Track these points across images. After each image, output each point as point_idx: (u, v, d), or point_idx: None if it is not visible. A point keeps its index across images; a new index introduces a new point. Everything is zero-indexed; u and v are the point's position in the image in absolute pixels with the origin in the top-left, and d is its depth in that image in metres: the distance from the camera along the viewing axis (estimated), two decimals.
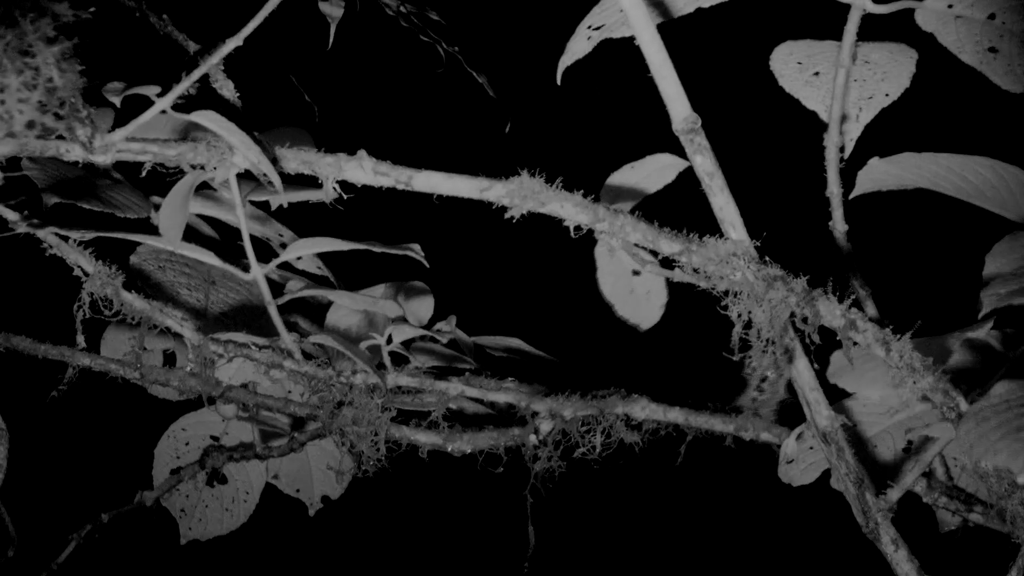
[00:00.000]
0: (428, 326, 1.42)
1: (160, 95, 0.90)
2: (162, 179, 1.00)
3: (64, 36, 0.79)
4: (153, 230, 1.16)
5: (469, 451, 1.31)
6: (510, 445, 1.31)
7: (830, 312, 1.02)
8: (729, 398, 1.27)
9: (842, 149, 1.18)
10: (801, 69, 1.18)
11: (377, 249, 1.16)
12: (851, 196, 1.21)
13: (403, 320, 1.38)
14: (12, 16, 0.76)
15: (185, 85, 0.88)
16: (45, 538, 1.40)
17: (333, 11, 1.67)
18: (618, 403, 1.27)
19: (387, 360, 1.26)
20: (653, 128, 1.10)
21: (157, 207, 1.32)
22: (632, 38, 0.94)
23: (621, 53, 1.06)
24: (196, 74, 0.87)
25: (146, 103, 0.92)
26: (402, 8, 1.78)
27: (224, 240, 1.49)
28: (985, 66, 1.07)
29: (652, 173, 1.23)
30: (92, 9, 0.79)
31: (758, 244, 1.01)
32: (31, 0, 0.76)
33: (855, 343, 1.03)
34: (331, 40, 1.67)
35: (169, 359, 1.40)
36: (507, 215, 1.01)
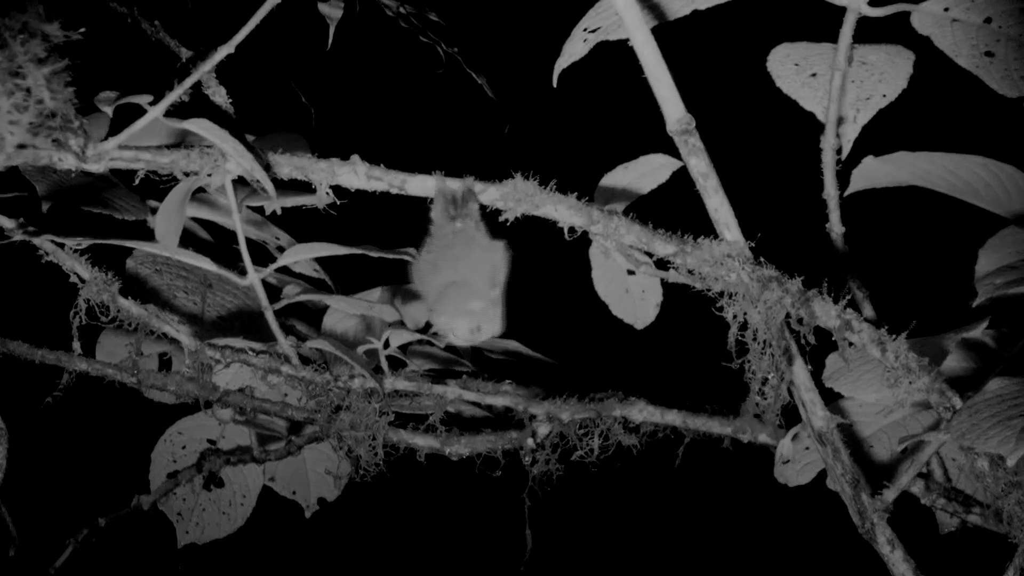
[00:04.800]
0: (425, 329, 1.42)
1: (152, 103, 0.90)
2: (161, 181, 1.00)
3: (55, 56, 0.79)
4: (150, 233, 1.16)
5: (467, 454, 1.31)
6: (508, 448, 1.31)
7: (825, 313, 1.02)
8: (731, 403, 1.26)
9: (839, 151, 1.18)
10: (798, 71, 1.18)
11: (374, 254, 1.16)
12: (845, 193, 1.21)
13: (400, 324, 1.38)
14: (2, 38, 0.75)
15: (177, 93, 0.88)
16: (43, 542, 1.40)
17: (332, 12, 1.67)
18: (616, 406, 1.27)
19: (384, 364, 1.26)
20: (648, 129, 1.10)
21: (154, 210, 1.32)
22: (628, 40, 0.94)
23: (617, 55, 1.06)
24: (188, 82, 0.87)
25: (140, 109, 0.92)
26: (402, 9, 1.78)
27: (221, 243, 1.48)
28: (981, 70, 1.07)
29: (646, 174, 1.24)
30: (83, 29, 0.78)
31: (753, 245, 1.01)
32: (21, 21, 0.75)
33: (851, 344, 1.04)
34: (330, 41, 1.66)
35: (165, 363, 1.40)
36: (501, 218, 1.01)
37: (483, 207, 1.02)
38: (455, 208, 1.02)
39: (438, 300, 1.03)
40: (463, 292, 1.02)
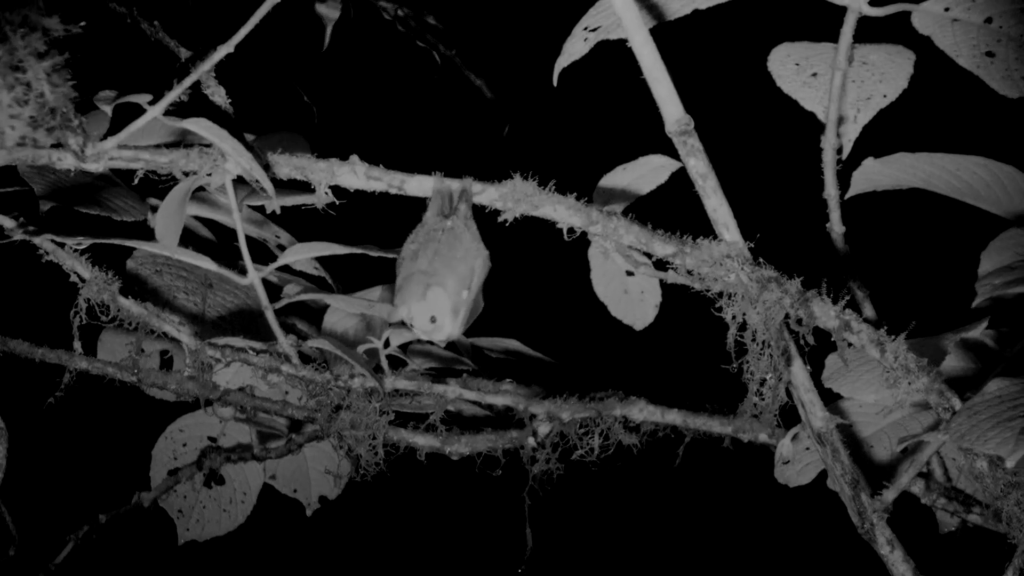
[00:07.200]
0: None
1: (151, 103, 0.90)
2: (160, 181, 1.01)
3: (55, 50, 0.79)
4: (150, 233, 1.16)
5: (467, 453, 1.31)
6: (508, 447, 1.31)
7: (824, 313, 1.02)
8: (729, 403, 1.26)
9: (840, 151, 1.18)
10: (799, 71, 1.18)
11: (374, 254, 1.17)
12: (846, 196, 1.21)
13: (401, 323, 1.38)
14: (2, 32, 0.75)
15: (176, 93, 0.88)
16: (43, 539, 1.40)
17: (330, 13, 1.67)
18: (616, 405, 1.27)
19: (385, 363, 1.26)
20: (647, 130, 1.10)
21: (154, 209, 1.32)
22: (627, 40, 0.94)
23: (618, 55, 1.06)
24: (187, 82, 0.87)
25: (139, 109, 0.92)
26: (399, 12, 1.78)
27: (221, 241, 1.49)
28: (982, 70, 1.07)
29: (645, 174, 1.24)
30: (83, 23, 0.79)
31: (752, 246, 1.01)
32: (21, 15, 0.75)
33: (850, 344, 1.04)
34: (327, 41, 1.67)
35: (166, 362, 1.40)
36: (500, 218, 1.01)
37: (483, 208, 1.02)
38: (450, 207, 1.02)
39: (404, 284, 1.02)
40: (429, 282, 1.01)
